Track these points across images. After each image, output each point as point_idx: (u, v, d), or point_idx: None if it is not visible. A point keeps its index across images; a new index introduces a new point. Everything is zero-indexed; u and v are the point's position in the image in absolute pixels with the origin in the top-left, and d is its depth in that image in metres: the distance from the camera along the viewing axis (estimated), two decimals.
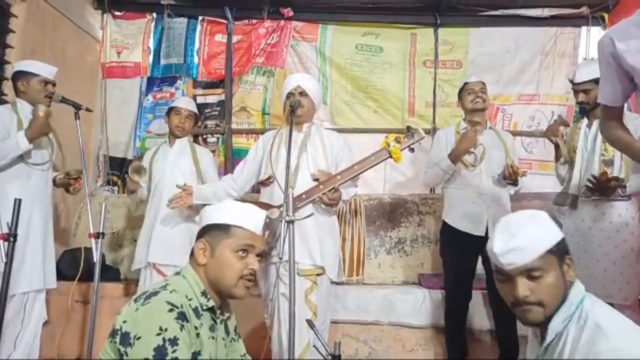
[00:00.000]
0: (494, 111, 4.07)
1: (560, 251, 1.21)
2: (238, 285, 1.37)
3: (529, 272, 1.19)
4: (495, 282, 1.28)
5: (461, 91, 2.93)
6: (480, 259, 2.79)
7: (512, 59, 4.05)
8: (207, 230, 1.39)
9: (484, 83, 2.90)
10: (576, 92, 2.58)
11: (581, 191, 2.47)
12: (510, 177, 2.69)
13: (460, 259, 2.75)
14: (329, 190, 2.36)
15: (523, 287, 1.19)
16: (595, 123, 2.48)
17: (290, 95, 2.55)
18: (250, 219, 1.41)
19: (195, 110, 3.09)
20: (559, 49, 4.04)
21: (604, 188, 2.33)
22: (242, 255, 1.36)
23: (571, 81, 2.63)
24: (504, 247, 1.20)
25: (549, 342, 1.20)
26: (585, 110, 2.57)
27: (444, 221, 2.86)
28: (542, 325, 1.23)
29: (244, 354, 1.53)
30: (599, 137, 2.41)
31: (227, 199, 2.21)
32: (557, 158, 2.66)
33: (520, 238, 1.19)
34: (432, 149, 2.99)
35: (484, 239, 2.65)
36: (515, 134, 3.99)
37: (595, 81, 2.39)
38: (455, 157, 2.76)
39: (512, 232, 1.21)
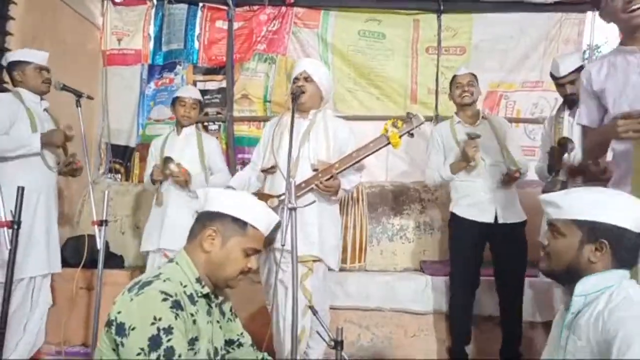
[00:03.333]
0: (497, 98, 4.05)
1: (591, 230, 1.22)
2: (236, 279, 1.38)
3: (552, 227, 1.29)
4: None
5: (451, 84, 2.92)
6: (488, 246, 2.81)
7: (515, 45, 4.01)
8: (220, 219, 1.36)
9: (473, 75, 2.86)
10: (562, 86, 2.63)
11: (569, 179, 2.51)
12: (509, 183, 2.72)
13: (468, 248, 2.76)
14: (327, 179, 2.36)
15: (545, 235, 1.31)
16: (579, 111, 2.52)
17: (295, 80, 2.52)
18: (266, 221, 1.41)
19: (200, 98, 3.10)
20: (564, 35, 4.00)
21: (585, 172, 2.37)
22: (248, 255, 1.37)
23: (555, 77, 2.66)
24: (548, 198, 1.31)
25: (576, 310, 1.24)
26: (575, 101, 2.59)
27: (452, 212, 2.87)
28: (550, 277, 1.32)
29: (241, 332, 1.54)
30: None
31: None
32: (549, 170, 2.62)
33: (562, 196, 1.29)
34: (430, 148, 2.98)
35: (493, 226, 2.68)
36: (518, 121, 3.99)
37: (578, 70, 2.51)
38: (455, 170, 2.79)
39: (570, 191, 1.32)
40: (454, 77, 2.90)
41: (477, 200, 2.76)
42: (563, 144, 2.42)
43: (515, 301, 2.77)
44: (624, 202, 1.26)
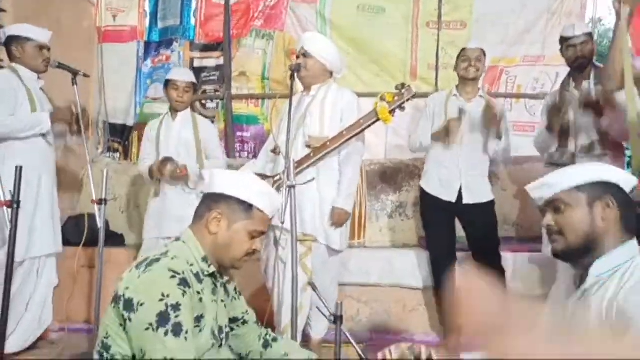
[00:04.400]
0: (498, 73, 4.01)
1: (593, 190, 1.23)
2: (242, 260, 1.39)
3: (554, 204, 1.27)
4: None
5: (459, 56, 2.88)
6: (458, 223, 2.84)
7: (517, 18, 3.96)
8: (225, 201, 1.36)
9: (482, 51, 2.81)
10: (573, 47, 2.62)
11: (578, 149, 2.54)
12: (491, 120, 2.68)
13: (437, 222, 2.81)
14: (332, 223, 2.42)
15: (548, 217, 1.27)
16: (584, 84, 2.59)
17: (297, 57, 2.51)
18: (272, 203, 1.41)
19: (193, 80, 2.98)
20: (566, 8, 3.94)
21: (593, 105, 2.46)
22: (254, 237, 1.38)
23: (566, 38, 2.65)
24: (536, 183, 1.30)
25: (587, 286, 1.22)
26: (583, 65, 2.62)
27: (419, 185, 2.91)
28: (566, 259, 1.29)
29: (246, 310, 1.56)
30: (592, 95, 2.52)
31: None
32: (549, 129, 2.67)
33: (551, 176, 1.28)
34: (421, 115, 2.97)
35: (455, 205, 2.70)
36: (518, 96, 3.96)
37: (589, 34, 2.61)
38: (433, 138, 2.78)
39: (550, 174, 1.30)
40: (463, 49, 2.85)
41: (443, 178, 2.77)
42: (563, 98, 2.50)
43: (495, 274, 2.77)
44: (606, 165, 1.31)
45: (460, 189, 2.73)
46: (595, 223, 1.23)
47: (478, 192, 2.75)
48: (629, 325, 1.08)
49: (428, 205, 2.86)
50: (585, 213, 1.23)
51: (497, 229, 2.82)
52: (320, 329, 2.55)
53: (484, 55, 2.82)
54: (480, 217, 2.75)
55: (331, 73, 2.55)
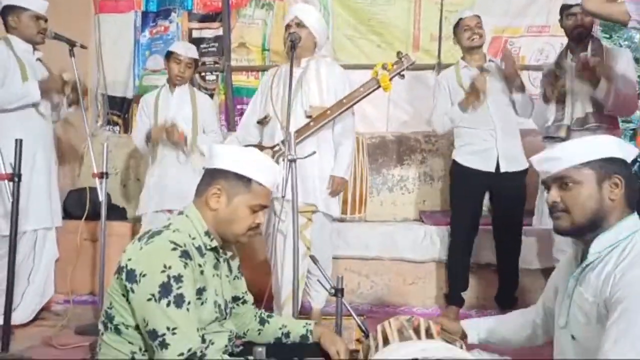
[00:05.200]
0: (502, 44, 3.93)
1: (602, 168, 1.21)
2: (245, 234, 1.39)
3: (561, 181, 1.23)
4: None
5: (456, 27, 2.83)
6: (488, 195, 2.84)
7: None
8: (224, 176, 1.35)
9: (478, 17, 2.78)
10: (573, 16, 2.59)
11: (573, 122, 2.54)
12: (511, 70, 2.68)
13: (469, 197, 2.78)
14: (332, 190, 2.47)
15: (554, 194, 1.24)
16: (582, 55, 2.54)
17: (287, 27, 2.48)
18: (270, 176, 1.39)
19: (196, 56, 2.92)
20: None
21: (589, 71, 2.44)
22: (255, 211, 1.37)
23: (568, 5, 2.61)
24: (543, 155, 1.27)
25: (588, 262, 1.22)
26: (582, 35, 2.60)
27: (454, 160, 2.86)
28: (572, 235, 1.28)
29: (245, 291, 1.58)
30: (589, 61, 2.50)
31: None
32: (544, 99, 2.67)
33: (558, 149, 1.25)
34: (436, 94, 2.92)
35: (494, 175, 2.68)
36: (522, 68, 3.89)
37: None
38: (465, 106, 2.73)
39: (557, 145, 1.27)
40: (460, 20, 2.81)
41: (479, 149, 2.74)
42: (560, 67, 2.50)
43: (513, 249, 2.82)
44: (613, 138, 1.28)
45: (498, 157, 2.70)
46: (603, 202, 1.21)
47: (515, 160, 2.73)
48: (622, 300, 1.09)
49: (462, 178, 2.81)
50: (594, 191, 1.21)
51: (524, 203, 2.80)
52: (320, 300, 2.60)
53: (480, 21, 2.79)
54: (514, 187, 2.73)
55: (315, 45, 2.55)
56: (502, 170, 2.70)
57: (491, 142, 2.72)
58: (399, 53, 2.49)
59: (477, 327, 1.54)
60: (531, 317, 1.51)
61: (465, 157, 2.79)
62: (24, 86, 2.50)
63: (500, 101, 2.75)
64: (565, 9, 2.63)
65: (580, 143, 1.26)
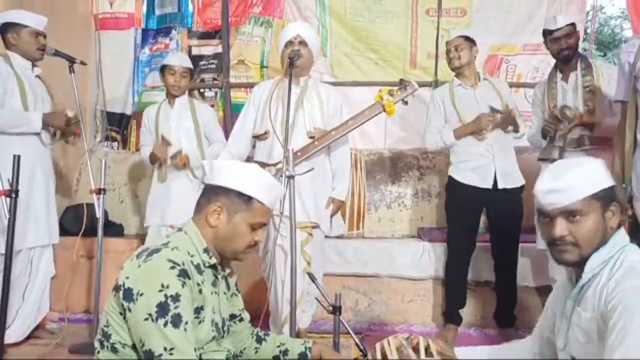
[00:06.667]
0: (498, 62, 3.98)
1: (605, 197, 1.21)
2: (244, 252, 1.39)
3: (569, 214, 1.20)
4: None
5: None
6: (485, 211, 2.85)
7: (517, 6, 3.92)
8: (224, 194, 1.34)
9: (463, 37, 2.79)
10: (557, 40, 2.60)
11: (567, 142, 2.55)
12: (504, 123, 2.71)
13: (466, 213, 2.78)
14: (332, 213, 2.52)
15: (561, 227, 1.21)
16: (572, 75, 2.60)
17: (288, 44, 2.47)
18: (271, 194, 1.39)
19: (190, 66, 2.94)
20: None
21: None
22: (255, 229, 1.37)
23: (549, 31, 2.63)
24: (547, 187, 1.22)
25: (584, 282, 1.22)
26: (569, 57, 2.61)
27: (450, 176, 2.86)
28: (578, 266, 1.25)
29: (242, 309, 1.56)
30: (580, 88, 2.54)
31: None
32: (543, 135, 2.69)
33: (564, 180, 1.21)
34: (430, 111, 2.94)
35: (491, 191, 2.69)
36: (518, 85, 3.94)
37: (572, 25, 2.60)
38: (458, 135, 2.76)
39: (558, 174, 1.23)
40: (446, 43, 2.88)
41: (477, 165, 2.75)
42: (563, 114, 2.50)
43: (511, 266, 2.81)
44: (602, 165, 1.27)
45: (495, 174, 2.71)
46: (606, 231, 1.22)
47: (511, 177, 2.74)
48: (616, 309, 1.09)
49: (458, 195, 2.81)
50: (599, 222, 1.21)
51: (522, 219, 2.80)
52: (306, 320, 2.59)
53: (469, 40, 2.79)
54: (511, 204, 2.73)
55: (312, 62, 2.60)
56: (500, 186, 2.71)
57: (488, 159, 2.73)
58: (402, 80, 2.51)
59: (474, 355, 1.52)
60: (528, 349, 1.48)
61: (462, 173, 2.79)
62: (27, 116, 2.52)
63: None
64: (547, 34, 2.65)
65: (582, 173, 1.22)
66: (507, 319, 2.84)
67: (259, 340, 1.58)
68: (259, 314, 2.10)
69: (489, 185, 2.71)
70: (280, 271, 2.41)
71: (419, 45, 4.02)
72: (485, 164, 2.73)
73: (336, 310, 1.74)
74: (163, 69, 2.89)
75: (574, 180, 1.21)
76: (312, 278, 1.91)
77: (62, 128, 2.63)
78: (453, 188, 2.85)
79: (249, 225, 1.35)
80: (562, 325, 1.29)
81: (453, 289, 2.89)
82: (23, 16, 2.58)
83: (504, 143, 2.77)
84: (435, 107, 2.90)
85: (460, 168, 2.81)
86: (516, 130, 2.77)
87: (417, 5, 4.00)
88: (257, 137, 2.56)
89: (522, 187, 2.77)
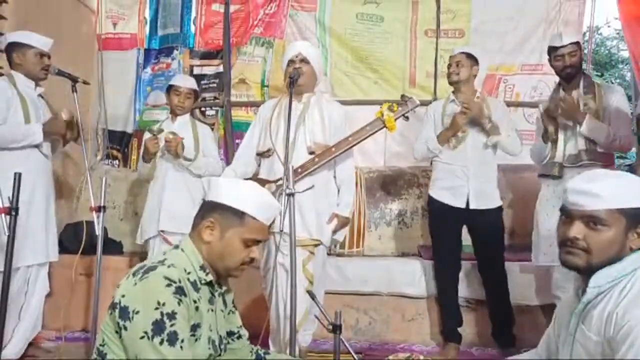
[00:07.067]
0: (496, 82, 4.02)
1: (633, 217, 1.17)
2: (238, 269, 1.38)
3: (590, 219, 1.18)
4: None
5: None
6: (466, 229, 2.85)
7: (515, 27, 3.97)
8: (218, 210, 1.35)
9: (465, 54, 2.83)
10: (561, 57, 2.63)
11: (565, 158, 2.57)
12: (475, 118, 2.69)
13: (446, 232, 2.81)
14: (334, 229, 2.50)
15: (578, 229, 1.18)
16: (574, 93, 2.60)
17: (291, 62, 2.51)
18: (265, 211, 1.38)
19: (195, 87, 3.05)
20: (563, 17, 3.95)
21: (571, 109, 2.50)
22: (248, 245, 1.37)
23: (554, 48, 2.66)
24: (579, 187, 1.19)
25: (589, 299, 1.19)
26: (571, 75, 2.64)
27: (429, 195, 2.90)
28: (582, 273, 1.22)
29: (240, 326, 1.55)
30: (580, 103, 2.55)
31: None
32: (544, 139, 2.68)
33: (598, 185, 1.17)
34: (424, 123, 2.99)
35: (465, 211, 2.71)
36: (516, 105, 3.97)
37: (576, 44, 2.62)
38: (441, 140, 2.79)
39: (595, 178, 1.20)
40: (450, 57, 2.92)
41: (451, 185, 2.78)
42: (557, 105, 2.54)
43: (498, 283, 2.79)
44: (635, 180, 1.23)
45: (468, 194, 2.73)
46: (624, 249, 1.18)
47: (485, 198, 2.75)
48: (625, 340, 1.07)
49: (436, 212, 2.85)
50: (620, 238, 1.17)
51: (504, 236, 2.82)
52: (307, 339, 2.55)
53: (471, 57, 2.83)
54: (487, 224, 2.75)
55: (316, 80, 2.61)
56: (472, 207, 2.72)
57: (463, 180, 2.75)
58: (403, 96, 2.55)
59: None
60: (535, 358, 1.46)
61: (438, 192, 2.83)
62: (28, 128, 2.54)
63: (479, 141, 2.77)
64: (552, 51, 2.69)
65: (622, 185, 1.19)
66: (507, 338, 2.80)
67: (259, 358, 1.56)
68: (258, 331, 2.08)
69: (462, 205, 2.74)
70: (282, 290, 2.38)
71: (418, 65, 4.06)
72: (460, 185, 2.75)
73: (336, 328, 1.72)
74: (169, 89, 3.00)
75: (608, 188, 1.17)
76: (312, 296, 1.90)
77: (63, 133, 2.64)
78: (432, 206, 2.89)
79: (242, 241, 1.35)
80: (567, 341, 1.27)
81: (446, 306, 2.89)
82: (29, 37, 2.62)
83: (484, 167, 2.77)
84: (427, 119, 2.96)
85: (436, 186, 2.86)
86: (494, 130, 2.71)
87: (416, 26, 4.06)
88: (261, 155, 2.57)
89: (499, 208, 2.78)
